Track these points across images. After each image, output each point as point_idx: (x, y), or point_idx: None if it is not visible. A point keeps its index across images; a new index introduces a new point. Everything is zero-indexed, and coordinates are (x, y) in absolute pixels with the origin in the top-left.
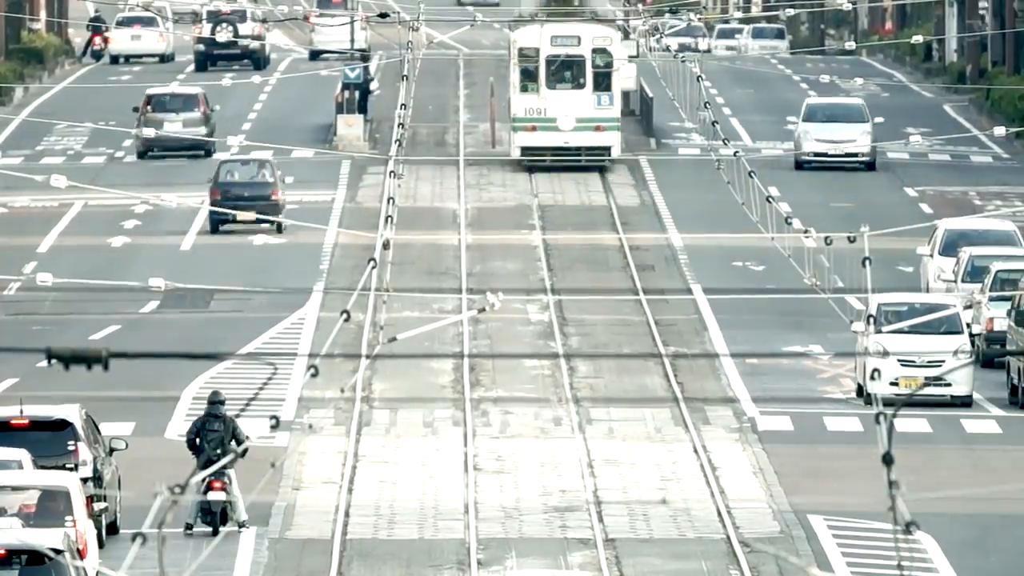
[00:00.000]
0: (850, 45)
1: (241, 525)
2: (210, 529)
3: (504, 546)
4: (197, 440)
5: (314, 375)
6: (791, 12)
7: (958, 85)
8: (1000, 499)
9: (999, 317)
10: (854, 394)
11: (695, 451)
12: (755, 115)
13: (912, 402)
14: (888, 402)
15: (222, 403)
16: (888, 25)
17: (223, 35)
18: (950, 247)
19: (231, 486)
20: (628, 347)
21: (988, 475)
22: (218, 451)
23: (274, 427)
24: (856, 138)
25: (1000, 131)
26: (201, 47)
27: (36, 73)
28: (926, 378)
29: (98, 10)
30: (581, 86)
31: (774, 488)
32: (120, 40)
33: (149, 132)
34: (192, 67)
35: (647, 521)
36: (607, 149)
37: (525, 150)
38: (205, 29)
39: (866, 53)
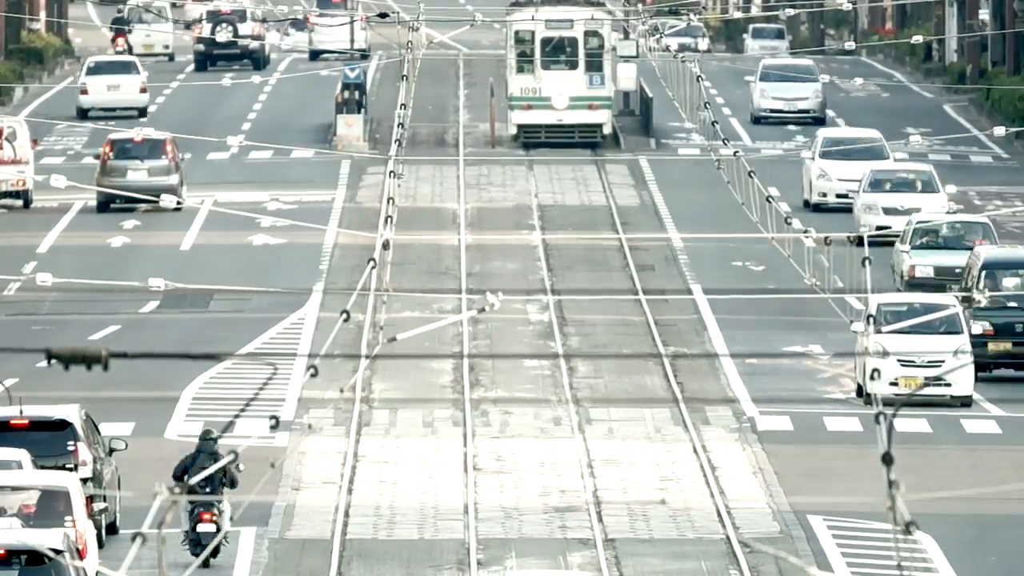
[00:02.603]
0: (850, 45)
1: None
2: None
3: (504, 546)
4: (184, 476)
5: (314, 375)
6: (791, 12)
7: (958, 85)
8: (1000, 499)
9: (921, 264)
10: (854, 394)
11: (695, 451)
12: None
13: (912, 402)
14: (888, 402)
15: (214, 440)
16: (888, 25)
17: (223, 35)
18: (828, 151)
19: (222, 518)
20: (628, 347)
21: (988, 475)
22: (207, 489)
23: (274, 427)
24: (808, 95)
25: (1000, 131)
26: (201, 47)
27: (36, 73)
28: (926, 378)
29: (120, 10)
30: (574, 67)
31: (774, 488)
32: (95, 90)
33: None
34: (192, 67)
35: (647, 521)
36: (599, 127)
37: (521, 127)
38: (205, 29)
39: (866, 53)
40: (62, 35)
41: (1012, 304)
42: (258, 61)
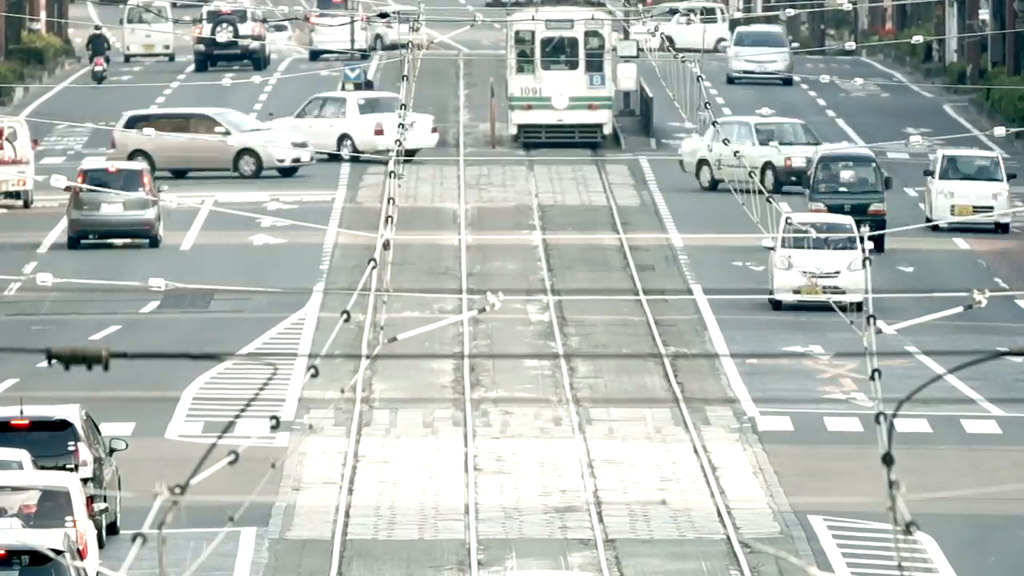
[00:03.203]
0: (850, 45)
1: None
2: (211, 529)
3: (504, 546)
4: None
5: (314, 375)
6: (791, 12)
7: (958, 85)
8: (1000, 499)
9: (796, 156)
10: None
11: (695, 451)
12: (755, 115)
13: (813, 307)
14: (792, 306)
15: None
16: (888, 25)
17: (223, 35)
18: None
19: None
20: (628, 347)
21: (988, 475)
22: None
23: (274, 427)
24: (776, 59)
25: (1000, 131)
26: (201, 47)
27: (36, 73)
28: (824, 287)
29: (99, 27)
30: (574, 67)
31: (774, 488)
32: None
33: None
34: (192, 67)
35: (647, 522)
36: (599, 127)
37: (521, 127)
38: (205, 29)
39: (866, 53)
40: (62, 35)
41: (843, 189)
42: (258, 61)
